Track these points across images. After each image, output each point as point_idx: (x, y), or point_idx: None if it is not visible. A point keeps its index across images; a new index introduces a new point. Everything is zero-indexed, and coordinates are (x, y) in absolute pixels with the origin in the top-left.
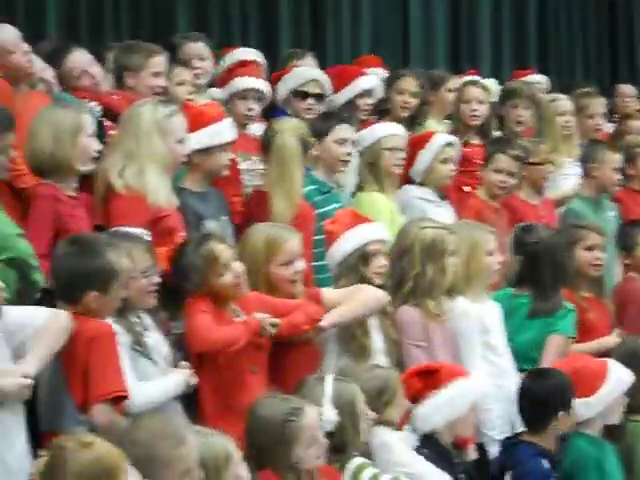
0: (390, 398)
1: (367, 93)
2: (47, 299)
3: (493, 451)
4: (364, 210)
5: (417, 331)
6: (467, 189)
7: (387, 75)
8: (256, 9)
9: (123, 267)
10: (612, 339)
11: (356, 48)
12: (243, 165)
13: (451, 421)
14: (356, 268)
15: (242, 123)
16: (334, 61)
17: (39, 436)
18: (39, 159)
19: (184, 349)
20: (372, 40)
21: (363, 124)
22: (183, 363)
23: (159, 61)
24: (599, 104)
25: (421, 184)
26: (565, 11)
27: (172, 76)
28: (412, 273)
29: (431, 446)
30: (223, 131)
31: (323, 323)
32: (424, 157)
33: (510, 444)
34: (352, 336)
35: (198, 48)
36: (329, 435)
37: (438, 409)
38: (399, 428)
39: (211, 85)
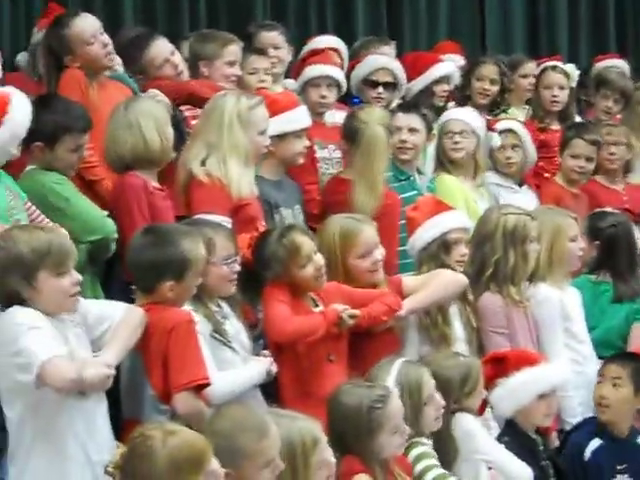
0: (472, 387)
1: (444, 80)
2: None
3: None
4: (440, 193)
5: (499, 318)
6: (547, 175)
7: (465, 62)
8: None
9: (198, 255)
10: None
11: (433, 35)
12: (320, 153)
13: (518, 409)
14: (437, 256)
15: (316, 111)
16: (410, 48)
17: (121, 426)
18: (132, 152)
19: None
20: (449, 27)
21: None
22: (265, 352)
23: (234, 50)
24: None
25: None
26: None
27: (245, 65)
28: (493, 259)
29: (512, 434)
30: (297, 118)
31: (401, 311)
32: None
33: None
34: (433, 324)
35: (272, 37)
36: None
37: (503, 397)
38: (478, 416)
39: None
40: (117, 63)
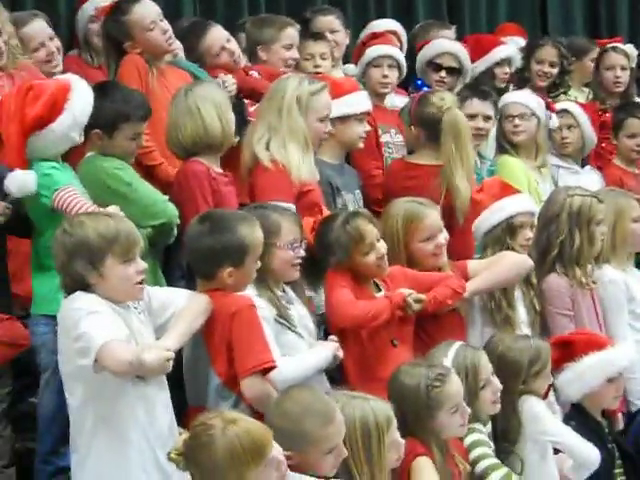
0: (540, 369)
1: (505, 62)
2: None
3: None
4: (503, 175)
5: (564, 300)
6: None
7: (525, 43)
8: None
9: (256, 240)
10: None
11: (493, 17)
12: (382, 138)
13: (586, 394)
14: (502, 239)
15: (378, 92)
16: (470, 31)
17: (185, 413)
18: (192, 138)
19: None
20: (509, 9)
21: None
22: (332, 337)
23: (291, 33)
24: None
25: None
26: None
27: (301, 50)
28: (558, 240)
29: (579, 417)
30: (359, 101)
31: (465, 293)
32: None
33: None
34: (497, 307)
35: (329, 21)
36: None
37: (572, 381)
38: (544, 399)
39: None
40: (178, 48)
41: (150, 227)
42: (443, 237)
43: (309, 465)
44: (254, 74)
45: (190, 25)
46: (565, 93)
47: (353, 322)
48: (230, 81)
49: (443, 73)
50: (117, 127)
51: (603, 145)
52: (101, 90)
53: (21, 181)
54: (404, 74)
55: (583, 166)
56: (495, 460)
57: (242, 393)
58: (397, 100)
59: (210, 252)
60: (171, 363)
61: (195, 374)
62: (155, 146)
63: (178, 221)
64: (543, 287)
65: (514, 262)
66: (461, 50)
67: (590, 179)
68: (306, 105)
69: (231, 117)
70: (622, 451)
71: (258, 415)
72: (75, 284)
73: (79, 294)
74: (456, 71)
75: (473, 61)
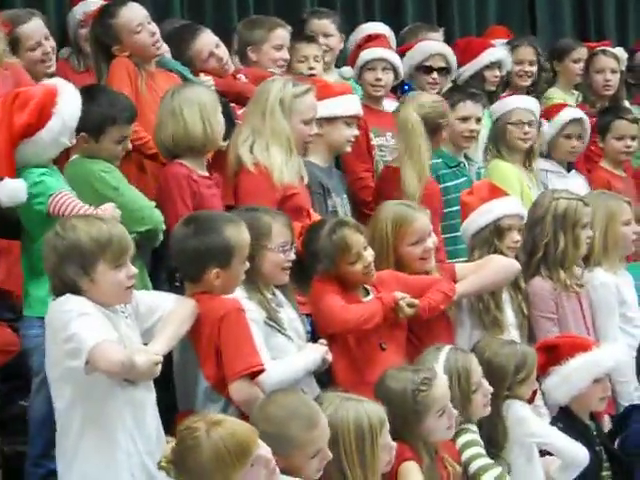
0: (526, 375)
1: (495, 65)
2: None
3: None
4: (495, 179)
5: (547, 303)
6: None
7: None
8: None
9: (242, 241)
10: None
11: (483, 19)
12: (377, 141)
13: (574, 396)
14: (490, 241)
15: (372, 94)
16: (460, 34)
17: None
18: (173, 139)
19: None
20: (498, 10)
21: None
22: (321, 340)
23: (281, 34)
24: None
25: (547, 156)
26: None
27: (294, 52)
28: (543, 242)
29: (566, 420)
30: (349, 104)
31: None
32: (549, 130)
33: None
34: (486, 309)
35: (324, 25)
36: None
37: (558, 385)
38: (529, 404)
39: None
40: (166, 51)
41: (136, 233)
42: (432, 241)
43: (294, 469)
44: (241, 77)
45: (180, 28)
46: (542, 93)
47: (346, 327)
48: (209, 83)
49: (435, 75)
50: (104, 130)
51: (592, 148)
52: (87, 94)
53: (11, 190)
54: (401, 76)
55: (569, 170)
56: (488, 460)
57: (231, 396)
58: (387, 104)
59: (195, 254)
60: (159, 367)
61: (184, 377)
62: (149, 136)
63: (164, 227)
64: (528, 290)
65: (502, 265)
66: (448, 49)
67: (576, 183)
68: (289, 107)
69: (218, 120)
70: (609, 453)
71: (247, 418)
72: (65, 287)
73: (68, 296)
74: (445, 70)
75: (463, 64)
